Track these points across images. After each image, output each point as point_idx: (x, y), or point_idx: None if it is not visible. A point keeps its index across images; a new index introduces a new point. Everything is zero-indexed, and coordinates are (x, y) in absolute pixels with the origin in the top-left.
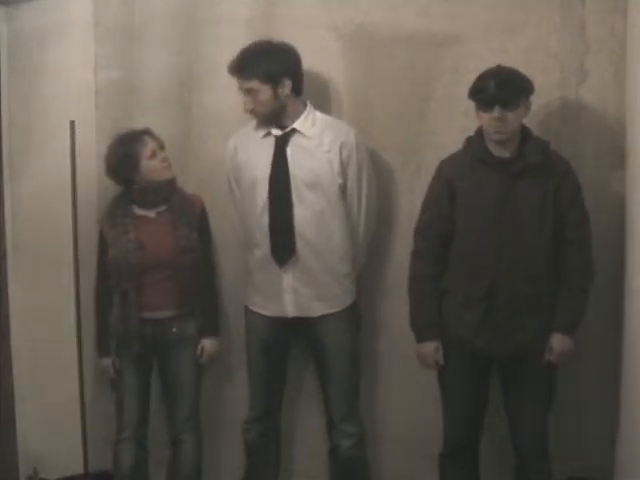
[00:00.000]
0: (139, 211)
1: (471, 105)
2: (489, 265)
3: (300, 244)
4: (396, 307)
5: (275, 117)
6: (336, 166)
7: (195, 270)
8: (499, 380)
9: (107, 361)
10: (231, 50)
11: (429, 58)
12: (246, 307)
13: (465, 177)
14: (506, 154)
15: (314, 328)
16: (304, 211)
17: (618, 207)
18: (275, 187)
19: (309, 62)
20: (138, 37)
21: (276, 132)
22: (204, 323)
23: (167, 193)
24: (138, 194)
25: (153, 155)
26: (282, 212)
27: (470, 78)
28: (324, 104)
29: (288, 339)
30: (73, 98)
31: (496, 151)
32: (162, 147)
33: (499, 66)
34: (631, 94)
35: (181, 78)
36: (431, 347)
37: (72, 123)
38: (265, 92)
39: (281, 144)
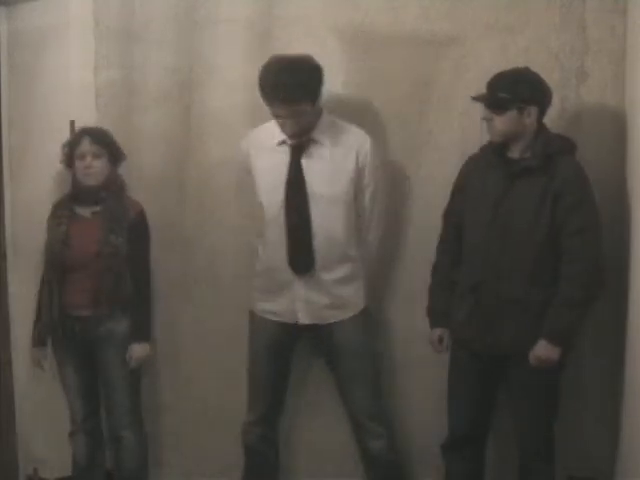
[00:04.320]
0: (78, 209)
1: (471, 105)
2: (479, 261)
3: (319, 254)
4: (400, 308)
5: (309, 129)
6: (352, 174)
7: (116, 274)
8: (503, 379)
9: (37, 351)
10: (231, 51)
11: (429, 58)
12: (252, 312)
13: (475, 173)
14: (515, 155)
15: (329, 333)
16: (319, 220)
17: (619, 207)
18: (291, 199)
19: None
20: (138, 37)
21: (291, 141)
22: (133, 328)
23: (97, 196)
24: (74, 188)
25: (81, 157)
26: (300, 224)
27: (470, 78)
28: (323, 104)
29: (295, 344)
30: (73, 98)
31: (508, 151)
32: (106, 154)
33: (515, 68)
34: (631, 94)
35: (181, 78)
36: (435, 334)
37: (72, 123)
38: (309, 110)
39: (297, 154)
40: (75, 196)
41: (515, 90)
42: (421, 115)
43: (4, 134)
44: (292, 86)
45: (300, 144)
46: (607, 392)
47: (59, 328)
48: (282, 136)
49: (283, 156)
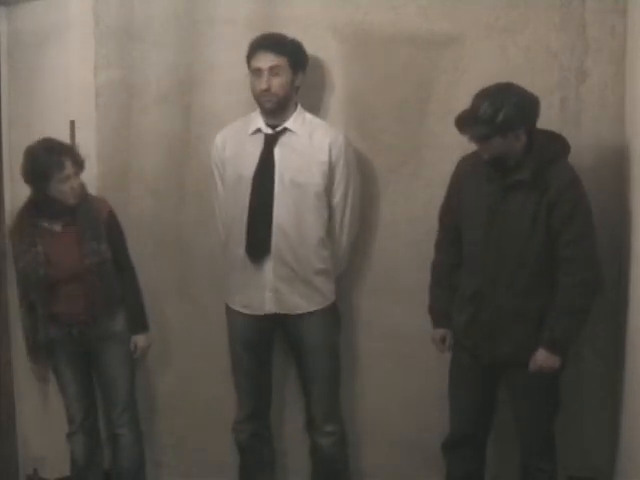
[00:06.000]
0: (45, 224)
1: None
2: (476, 271)
3: (281, 242)
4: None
5: (281, 107)
6: (324, 167)
7: (107, 279)
8: (504, 379)
9: (38, 368)
10: (231, 50)
11: (429, 58)
12: (227, 306)
13: (470, 178)
14: (508, 167)
15: (295, 326)
16: (287, 209)
17: (618, 208)
18: (259, 186)
19: (309, 62)
20: (138, 37)
21: (267, 130)
22: (133, 321)
23: (72, 209)
24: (42, 204)
25: (66, 180)
26: (262, 211)
27: (470, 78)
28: (324, 104)
29: (271, 337)
30: (73, 98)
31: (500, 164)
32: (80, 169)
33: (495, 90)
34: (631, 94)
35: (181, 78)
36: (437, 334)
37: (72, 123)
38: (287, 75)
39: (270, 142)
40: (43, 211)
41: (494, 122)
42: (421, 115)
43: (4, 134)
44: (275, 38)
45: (275, 133)
46: (607, 392)
47: (52, 343)
48: (257, 124)
49: (257, 144)
